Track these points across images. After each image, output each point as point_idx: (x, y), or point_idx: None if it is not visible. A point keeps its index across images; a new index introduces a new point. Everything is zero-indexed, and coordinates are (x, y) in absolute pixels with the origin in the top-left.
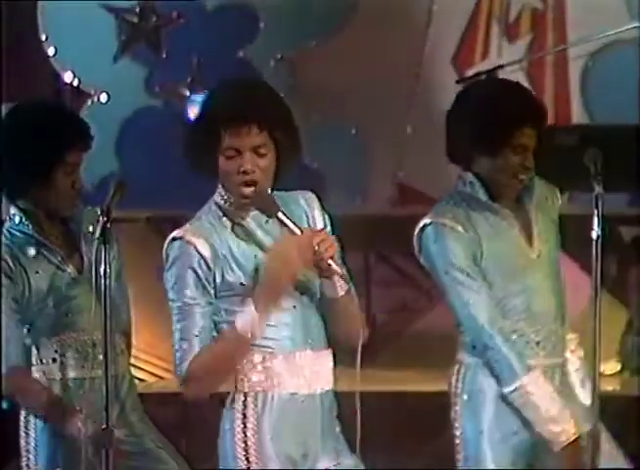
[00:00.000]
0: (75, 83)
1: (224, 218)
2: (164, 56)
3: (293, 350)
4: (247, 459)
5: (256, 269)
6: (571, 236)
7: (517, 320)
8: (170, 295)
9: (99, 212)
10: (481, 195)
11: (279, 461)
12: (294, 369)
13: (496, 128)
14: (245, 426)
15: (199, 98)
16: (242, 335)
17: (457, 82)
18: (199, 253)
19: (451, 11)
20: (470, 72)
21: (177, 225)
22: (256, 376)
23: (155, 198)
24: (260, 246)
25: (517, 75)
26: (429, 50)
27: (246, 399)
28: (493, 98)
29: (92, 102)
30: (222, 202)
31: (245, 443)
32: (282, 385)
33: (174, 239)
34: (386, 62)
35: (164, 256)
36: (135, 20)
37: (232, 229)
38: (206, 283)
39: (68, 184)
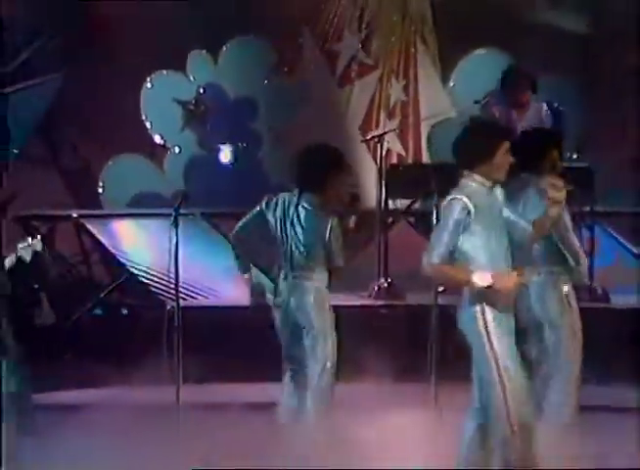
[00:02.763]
0: (162, 142)
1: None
2: (209, 128)
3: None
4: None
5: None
6: None
7: None
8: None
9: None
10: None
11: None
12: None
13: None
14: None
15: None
16: (472, 282)
17: (362, 141)
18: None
19: (359, 103)
20: (369, 136)
21: (220, 219)
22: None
23: (205, 203)
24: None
25: (394, 137)
26: (348, 122)
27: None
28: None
29: (170, 152)
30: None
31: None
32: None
33: (452, 199)
34: (326, 133)
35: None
36: (192, 107)
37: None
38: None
39: (342, 190)
